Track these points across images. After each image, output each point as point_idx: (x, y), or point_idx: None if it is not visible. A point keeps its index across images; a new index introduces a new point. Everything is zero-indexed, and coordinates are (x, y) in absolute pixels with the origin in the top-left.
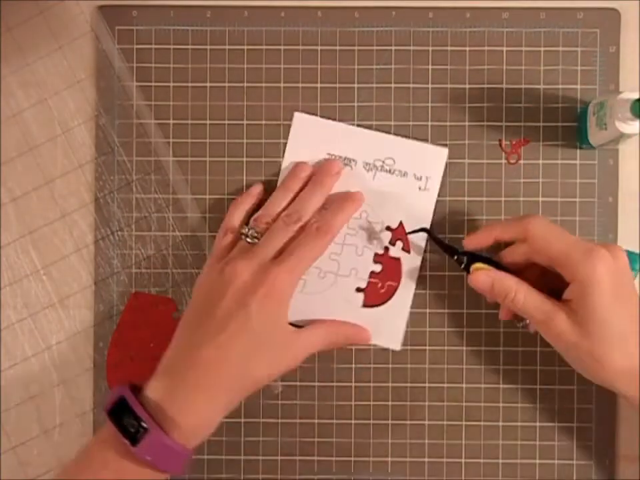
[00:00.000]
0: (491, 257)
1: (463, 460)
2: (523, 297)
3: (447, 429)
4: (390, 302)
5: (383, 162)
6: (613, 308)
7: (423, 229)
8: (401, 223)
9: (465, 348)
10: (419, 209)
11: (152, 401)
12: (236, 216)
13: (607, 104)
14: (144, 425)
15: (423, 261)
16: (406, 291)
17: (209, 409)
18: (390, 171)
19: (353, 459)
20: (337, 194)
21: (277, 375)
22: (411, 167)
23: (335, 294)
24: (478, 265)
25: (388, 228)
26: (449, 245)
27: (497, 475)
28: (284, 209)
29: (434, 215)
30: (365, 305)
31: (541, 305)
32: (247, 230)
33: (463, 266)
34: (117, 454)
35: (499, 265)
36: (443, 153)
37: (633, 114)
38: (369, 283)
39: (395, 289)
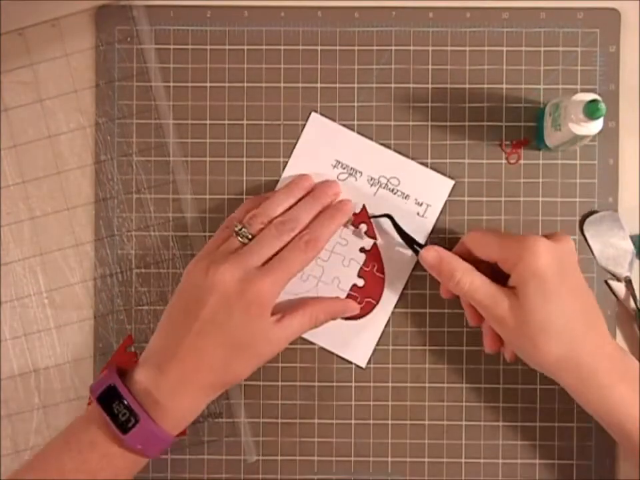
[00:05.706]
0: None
1: (463, 460)
2: (469, 280)
3: (447, 428)
4: (365, 318)
5: (388, 180)
6: (552, 297)
7: (386, 215)
8: (364, 207)
9: (465, 348)
10: (414, 234)
11: (140, 389)
12: (239, 213)
13: (561, 105)
14: (135, 414)
15: (406, 283)
16: (383, 310)
17: (192, 400)
18: (393, 190)
19: (352, 458)
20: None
21: (260, 365)
22: (414, 191)
23: None
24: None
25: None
26: (410, 236)
27: (497, 475)
28: (281, 214)
29: (430, 234)
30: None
31: (486, 289)
32: (239, 228)
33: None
34: (106, 437)
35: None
36: (448, 184)
37: (585, 115)
38: (348, 295)
39: (373, 307)
